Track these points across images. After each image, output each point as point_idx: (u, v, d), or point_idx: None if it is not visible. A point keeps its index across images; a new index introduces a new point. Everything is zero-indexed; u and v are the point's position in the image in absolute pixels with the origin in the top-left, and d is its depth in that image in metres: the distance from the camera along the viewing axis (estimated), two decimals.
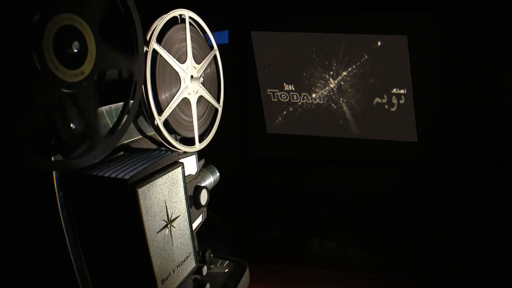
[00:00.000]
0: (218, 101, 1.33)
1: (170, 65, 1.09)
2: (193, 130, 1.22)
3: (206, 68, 1.27)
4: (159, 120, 1.06)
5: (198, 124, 1.23)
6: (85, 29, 0.76)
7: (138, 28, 0.91)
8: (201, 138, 1.25)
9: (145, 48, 0.98)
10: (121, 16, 0.88)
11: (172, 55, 1.09)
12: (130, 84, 0.92)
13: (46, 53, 0.68)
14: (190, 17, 1.15)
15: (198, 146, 1.23)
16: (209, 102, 1.28)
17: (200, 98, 1.23)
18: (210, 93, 1.27)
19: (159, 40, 1.04)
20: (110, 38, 0.83)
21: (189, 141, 1.23)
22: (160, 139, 1.09)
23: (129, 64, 0.91)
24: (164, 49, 1.05)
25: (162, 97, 1.09)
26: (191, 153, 1.20)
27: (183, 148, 1.16)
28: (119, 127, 0.90)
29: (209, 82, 1.29)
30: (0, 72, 0.65)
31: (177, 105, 1.12)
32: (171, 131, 1.13)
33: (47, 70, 0.69)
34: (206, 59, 1.23)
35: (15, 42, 0.65)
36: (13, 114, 0.68)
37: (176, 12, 1.09)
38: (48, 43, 0.68)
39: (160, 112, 1.06)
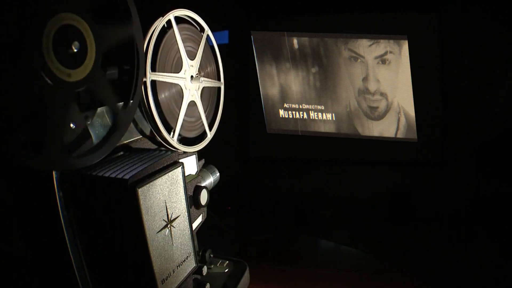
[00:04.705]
0: (219, 79, 1.33)
1: (170, 83, 1.09)
2: (195, 130, 1.23)
3: (207, 67, 1.27)
4: (172, 140, 1.08)
5: (205, 116, 1.24)
6: (85, 28, 0.75)
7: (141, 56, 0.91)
8: (210, 126, 1.28)
9: (143, 79, 0.98)
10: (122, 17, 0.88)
11: (169, 69, 1.09)
12: (131, 84, 0.92)
13: (45, 52, 0.68)
14: (175, 18, 1.08)
15: (210, 135, 1.26)
16: (210, 88, 1.28)
17: (203, 90, 1.23)
18: (210, 77, 1.27)
19: (153, 64, 1.03)
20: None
21: (189, 140, 1.24)
22: (173, 149, 1.11)
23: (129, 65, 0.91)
24: (159, 71, 1.05)
25: (168, 110, 1.10)
26: (191, 153, 1.20)
27: (196, 148, 1.18)
28: (119, 127, 0.90)
29: (206, 66, 1.29)
30: None
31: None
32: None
33: (46, 70, 0.68)
34: (199, 50, 1.21)
35: (15, 42, 0.64)
36: (13, 113, 0.67)
37: (163, 21, 1.04)
38: (48, 43, 0.68)
39: (170, 130, 1.09)
